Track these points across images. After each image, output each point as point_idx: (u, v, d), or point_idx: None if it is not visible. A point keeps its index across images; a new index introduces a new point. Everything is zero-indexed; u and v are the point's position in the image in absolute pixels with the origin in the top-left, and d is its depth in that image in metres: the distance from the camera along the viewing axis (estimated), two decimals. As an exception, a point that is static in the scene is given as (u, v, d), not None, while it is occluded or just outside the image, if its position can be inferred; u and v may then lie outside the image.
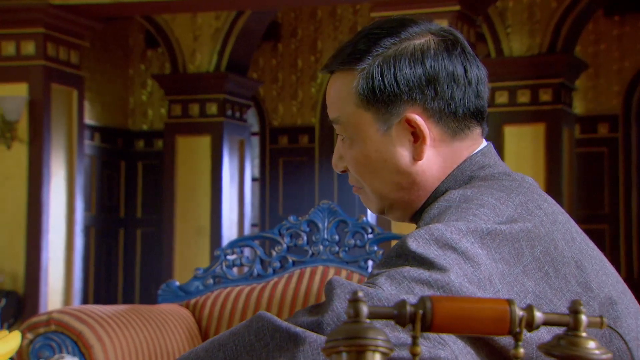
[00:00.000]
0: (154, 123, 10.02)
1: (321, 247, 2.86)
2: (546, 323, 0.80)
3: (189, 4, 7.82)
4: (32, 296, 6.93)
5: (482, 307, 0.79)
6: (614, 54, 9.16)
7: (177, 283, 2.97)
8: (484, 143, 1.29)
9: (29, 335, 2.58)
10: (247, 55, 8.98)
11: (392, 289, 1.05)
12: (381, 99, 1.24)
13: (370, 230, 2.83)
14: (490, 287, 1.09)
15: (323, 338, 1.01)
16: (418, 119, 1.24)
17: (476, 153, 1.27)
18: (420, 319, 0.77)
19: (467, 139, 1.27)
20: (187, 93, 8.83)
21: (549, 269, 1.13)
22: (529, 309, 0.80)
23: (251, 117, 9.84)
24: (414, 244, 1.09)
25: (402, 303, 0.78)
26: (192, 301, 2.90)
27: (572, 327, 0.79)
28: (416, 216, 1.30)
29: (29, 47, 7.11)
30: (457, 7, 6.47)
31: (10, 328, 6.58)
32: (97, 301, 9.07)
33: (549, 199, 1.24)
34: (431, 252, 1.08)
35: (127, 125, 10.04)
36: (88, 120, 8.97)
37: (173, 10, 8.33)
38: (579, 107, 9.09)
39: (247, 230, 8.93)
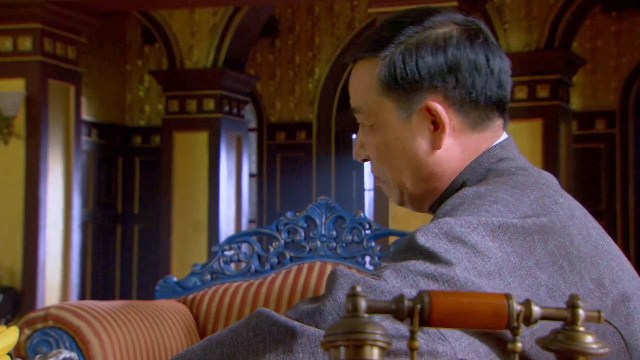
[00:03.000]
0: (151, 119, 10.02)
1: (319, 243, 2.86)
2: (544, 317, 0.80)
3: (187, 0, 7.82)
4: (30, 292, 6.93)
5: (480, 301, 0.79)
6: (611, 50, 9.16)
7: (175, 279, 2.97)
8: (504, 136, 1.29)
9: (27, 331, 2.58)
10: (245, 51, 8.97)
11: (396, 282, 1.05)
12: (402, 87, 1.25)
13: (367, 226, 2.84)
14: (500, 280, 1.08)
15: (321, 332, 1.01)
16: (439, 107, 1.24)
17: (495, 145, 1.26)
18: (418, 314, 0.77)
19: (488, 130, 1.27)
20: (185, 89, 8.83)
21: (564, 263, 1.13)
22: (527, 303, 0.80)
23: (248, 113, 9.84)
24: (422, 238, 1.09)
25: (400, 297, 0.78)
26: (190, 297, 2.90)
27: (570, 321, 0.79)
28: (434, 207, 1.29)
29: (26, 43, 7.11)
30: (454, 3, 6.47)
31: (7, 324, 6.58)
32: (95, 297, 9.07)
33: (566, 194, 1.23)
34: (440, 246, 1.08)
35: (125, 121, 10.03)
36: (85, 116, 8.96)
37: (170, 6, 8.33)
38: (576, 103, 9.09)
39: (245, 226, 8.93)
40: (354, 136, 9.92)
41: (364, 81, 1.28)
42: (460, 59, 1.24)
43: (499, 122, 1.28)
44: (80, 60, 7.72)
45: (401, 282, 1.05)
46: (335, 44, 9.82)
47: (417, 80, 1.24)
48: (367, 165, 10.90)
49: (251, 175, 9.87)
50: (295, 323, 1.03)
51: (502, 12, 8.25)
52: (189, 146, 8.70)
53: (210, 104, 8.76)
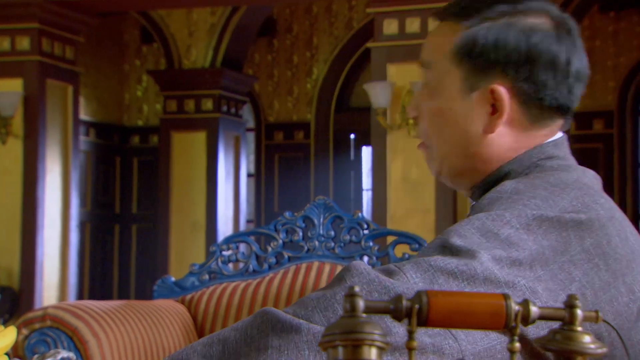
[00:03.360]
0: (149, 119, 10.02)
1: (317, 243, 2.86)
2: (542, 317, 0.80)
3: (185, 0, 7.82)
4: (28, 292, 6.93)
5: (478, 301, 0.79)
6: (609, 50, 9.17)
7: (173, 279, 2.96)
8: (559, 134, 1.27)
9: (25, 331, 2.58)
10: (243, 51, 8.97)
11: (416, 276, 1.04)
12: (475, 62, 1.23)
13: (365, 226, 2.84)
14: (531, 272, 1.07)
15: None
16: (503, 93, 1.22)
17: (548, 142, 1.25)
18: (417, 314, 0.77)
19: (546, 128, 1.25)
20: (183, 89, 8.83)
21: (599, 262, 1.11)
22: (525, 303, 0.80)
23: (247, 113, 9.84)
24: (454, 237, 1.08)
25: (399, 297, 0.78)
26: (188, 297, 2.90)
27: (568, 321, 0.79)
28: (474, 191, 1.27)
29: (24, 43, 7.10)
30: (452, 3, 6.47)
31: (5, 323, 6.57)
32: (92, 297, 9.07)
33: (606, 196, 1.21)
34: (472, 241, 1.07)
35: (123, 121, 10.03)
36: (83, 115, 8.96)
37: (168, 6, 8.33)
38: (574, 103, 9.09)
39: (243, 226, 8.93)
40: (352, 136, 9.92)
41: (441, 42, 1.26)
42: (541, 54, 1.21)
43: (559, 122, 1.26)
44: (78, 60, 7.72)
45: (421, 276, 1.04)
46: (333, 44, 9.82)
47: (491, 61, 1.22)
48: (365, 165, 10.72)
49: (249, 175, 9.87)
50: (302, 321, 1.02)
51: (500, 12, 8.24)
52: (187, 146, 8.70)
53: (208, 104, 8.76)
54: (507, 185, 1.17)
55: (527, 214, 1.10)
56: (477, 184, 1.27)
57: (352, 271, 1.05)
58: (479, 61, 1.22)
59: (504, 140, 1.24)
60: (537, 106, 1.23)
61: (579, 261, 1.10)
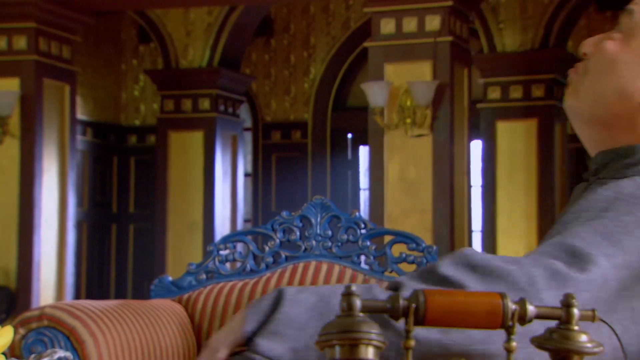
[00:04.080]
0: (146, 118, 10.01)
1: (314, 243, 2.86)
2: (538, 317, 0.80)
3: (182, -1, 7.82)
4: (25, 291, 6.92)
5: (475, 301, 0.79)
6: (606, 50, 9.16)
7: (170, 278, 2.96)
8: None
9: (21, 331, 2.58)
10: (240, 50, 8.97)
11: (535, 269, 1.02)
12: None
13: (363, 226, 2.83)
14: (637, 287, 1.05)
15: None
16: None
17: None
18: (414, 313, 0.77)
19: None
20: (180, 88, 8.82)
21: None
22: (521, 302, 0.80)
23: (244, 112, 9.83)
24: (577, 240, 1.07)
25: (396, 297, 0.78)
26: (185, 296, 2.90)
27: (564, 320, 0.79)
28: (598, 155, 1.24)
29: (21, 42, 7.09)
30: (450, 3, 6.48)
31: (2, 323, 6.56)
32: (89, 296, 9.06)
33: None
34: (589, 244, 1.05)
35: (120, 120, 10.02)
36: (80, 115, 8.95)
37: (165, 5, 8.32)
38: (571, 102, 9.08)
39: (240, 226, 8.93)
40: (349, 136, 9.92)
41: None
42: None
43: None
44: (75, 59, 7.71)
45: (537, 269, 1.02)
46: (330, 44, 9.82)
47: None
48: (362, 165, 10.72)
49: (246, 175, 9.87)
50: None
51: (497, 11, 8.25)
52: (184, 146, 8.70)
53: (205, 104, 8.76)
54: (625, 186, 1.14)
55: None
56: (604, 149, 1.24)
57: (466, 271, 1.01)
58: None
59: None
60: None
61: None
